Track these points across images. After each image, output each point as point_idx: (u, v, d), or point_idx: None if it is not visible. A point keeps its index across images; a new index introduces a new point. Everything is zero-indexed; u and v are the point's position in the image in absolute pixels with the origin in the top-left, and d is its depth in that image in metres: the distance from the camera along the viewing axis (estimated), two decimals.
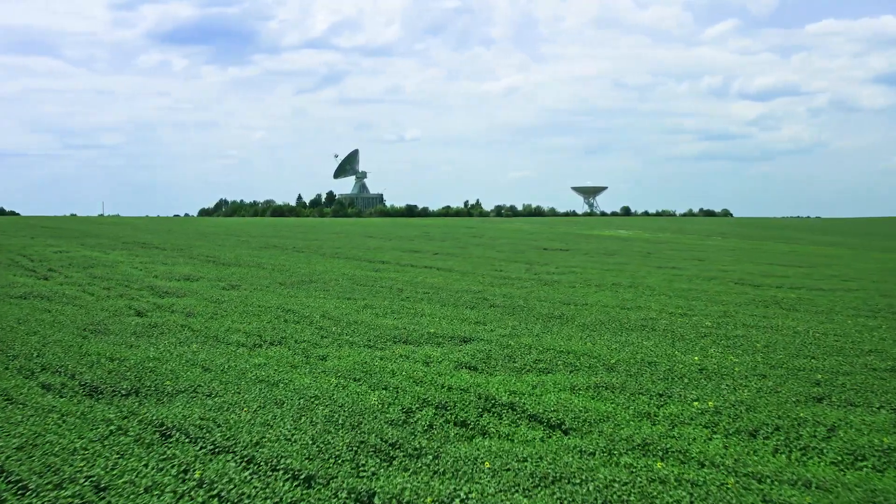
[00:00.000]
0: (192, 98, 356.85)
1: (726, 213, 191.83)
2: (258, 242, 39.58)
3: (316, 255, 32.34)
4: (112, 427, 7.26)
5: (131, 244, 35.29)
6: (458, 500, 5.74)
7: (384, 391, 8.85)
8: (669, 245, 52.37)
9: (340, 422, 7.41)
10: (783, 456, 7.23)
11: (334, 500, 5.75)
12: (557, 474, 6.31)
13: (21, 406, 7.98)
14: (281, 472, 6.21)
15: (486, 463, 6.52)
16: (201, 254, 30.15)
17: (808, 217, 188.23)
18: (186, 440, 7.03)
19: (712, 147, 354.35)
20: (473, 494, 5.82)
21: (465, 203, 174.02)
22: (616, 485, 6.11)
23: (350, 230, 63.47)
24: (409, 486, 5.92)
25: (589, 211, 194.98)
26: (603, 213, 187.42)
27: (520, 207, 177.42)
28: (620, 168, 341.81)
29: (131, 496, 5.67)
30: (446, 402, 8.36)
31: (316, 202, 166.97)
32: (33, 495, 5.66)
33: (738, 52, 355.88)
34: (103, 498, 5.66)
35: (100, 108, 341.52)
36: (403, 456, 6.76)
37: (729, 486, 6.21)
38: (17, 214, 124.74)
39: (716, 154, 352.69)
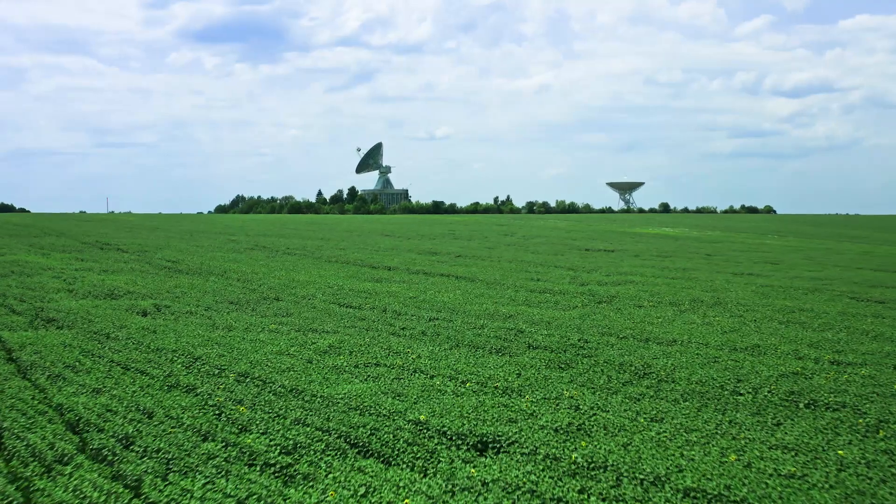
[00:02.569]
0: (224, 96, 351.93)
1: (769, 210, 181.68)
2: (248, 243, 33.67)
3: (309, 258, 26.31)
4: None
5: (91, 245, 29.61)
6: None
7: None
8: (727, 245, 45.39)
9: None
10: None
11: None
12: None
13: None
14: None
15: None
16: (164, 258, 24.29)
17: (848, 214, 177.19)
18: None
19: (746, 144, 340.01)
20: None
21: (496, 199, 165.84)
22: None
23: (366, 228, 57.38)
24: None
25: (626, 207, 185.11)
26: (641, 210, 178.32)
27: (553, 204, 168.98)
28: (653, 165, 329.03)
29: None
30: None
31: (337, 198, 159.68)
32: None
33: (771, 49, 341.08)
34: None
35: (133, 106, 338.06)
36: None
37: None
38: (27, 211, 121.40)
39: (749, 151, 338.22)
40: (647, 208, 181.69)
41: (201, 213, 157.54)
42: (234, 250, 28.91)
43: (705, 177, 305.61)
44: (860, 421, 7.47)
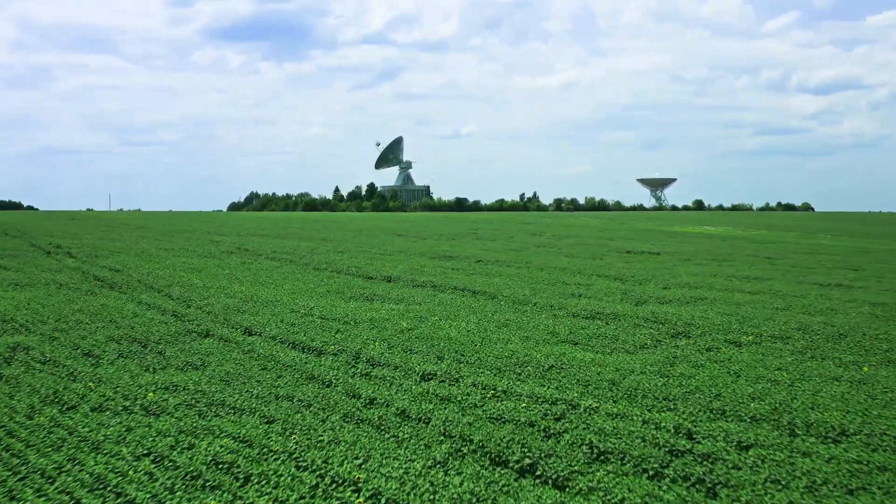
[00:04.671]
0: (249, 94, 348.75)
1: (807, 208, 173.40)
2: (232, 244, 28.86)
3: (293, 265, 21.43)
4: None
5: (37, 248, 24.98)
6: None
7: None
8: (781, 245, 39.65)
9: None
10: None
11: None
12: None
13: None
14: None
15: None
16: (108, 265, 19.55)
17: (881, 212, 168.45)
18: None
19: (771, 141, 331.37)
20: None
21: (521, 196, 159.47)
22: None
23: (379, 226, 52.47)
24: None
25: (658, 205, 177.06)
26: (674, 208, 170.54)
27: (582, 201, 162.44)
28: (677, 163, 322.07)
29: None
30: None
31: (355, 195, 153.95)
32: None
33: (798, 46, 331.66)
34: None
35: (157, 104, 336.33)
36: None
37: None
38: (34, 209, 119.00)
39: (775, 149, 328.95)
40: (679, 206, 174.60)
41: (220, 210, 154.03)
42: (206, 254, 24.10)
43: (730, 174, 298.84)
44: None
